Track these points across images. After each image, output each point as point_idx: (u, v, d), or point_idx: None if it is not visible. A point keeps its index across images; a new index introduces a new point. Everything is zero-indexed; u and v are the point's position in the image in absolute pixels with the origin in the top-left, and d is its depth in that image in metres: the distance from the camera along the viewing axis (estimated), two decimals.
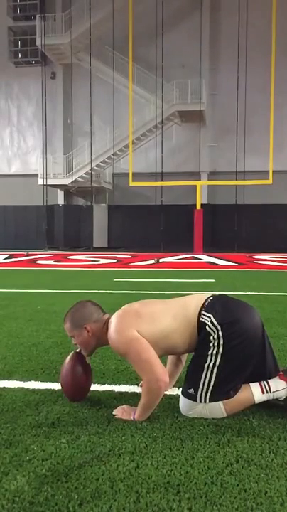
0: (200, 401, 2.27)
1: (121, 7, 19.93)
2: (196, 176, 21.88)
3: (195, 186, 19.23)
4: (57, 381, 2.87)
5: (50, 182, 21.81)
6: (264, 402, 2.34)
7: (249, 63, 20.09)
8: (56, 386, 2.78)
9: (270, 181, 17.96)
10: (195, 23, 21.52)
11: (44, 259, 15.04)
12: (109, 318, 2.40)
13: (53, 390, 2.72)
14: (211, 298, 2.41)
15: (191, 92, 21.05)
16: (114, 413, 2.34)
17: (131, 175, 18.78)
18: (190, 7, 22.14)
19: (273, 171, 18.00)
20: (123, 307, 2.46)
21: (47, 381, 2.89)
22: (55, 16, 22.50)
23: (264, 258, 14.90)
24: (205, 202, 21.00)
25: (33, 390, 2.72)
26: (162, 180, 20.28)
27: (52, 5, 23.32)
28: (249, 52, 20.05)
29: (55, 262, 13.83)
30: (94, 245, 21.48)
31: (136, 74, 20.88)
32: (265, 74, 18.53)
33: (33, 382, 2.87)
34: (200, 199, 19.08)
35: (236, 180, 19.94)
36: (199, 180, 21.32)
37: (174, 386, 2.71)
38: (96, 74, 22.21)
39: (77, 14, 21.79)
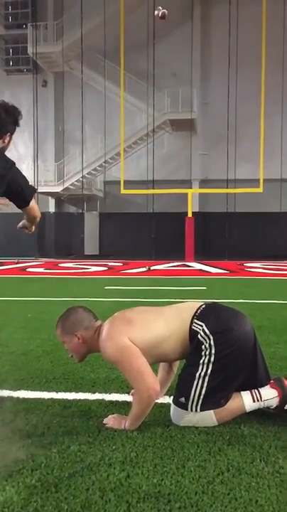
0: (191, 410, 2.26)
1: (112, 16, 20.06)
2: (187, 184, 21.96)
3: (187, 194, 19.31)
4: (47, 390, 2.85)
5: (41, 189, 21.74)
6: (255, 410, 2.34)
7: (240, 72, 20.28)
8: (46, 395, 2.76)
9: (260, 189, 18.07)
10: (186, 33, 21.72)
11: (34, 266, 14.97)
12: (100, 325, 2.39)
13: (43, 399, 2.70)
14: (203, 306, 2.41)
15: (182, 101, 21.21)
16: (104, 422, 2.32)
17: (122, 183, 18.81)
18: (181, 17, 22.33)
19: (263, 180, 18.12)
20: (115, 314, 2.45)
21: (37, 390, 2.86)
22: (47, 25, 22.60)
23: (255, 266, 14.95)
24: (196, 210, 21.08)
25: (23, 400, 2.69)
26: (153, 188, 20.34)
27: (43, 14, 23.44)
28: (240, 61, 20.24)
29: (45, 269, 13.78)
30: (86, 253, 21.43)
31: (127, 82, 20.99)
32: (255, 83, 18.70)
33: (22, 391, 2.84)
34: (191, 207, 19.16)
35: (227, 188, 20.04)
36: (191, 188, 21.40)
37: (165, 394, 2.69)
38: (88, 82, 22.31)
39: (69, 23, 21.91)
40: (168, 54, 21.94)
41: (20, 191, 2.37)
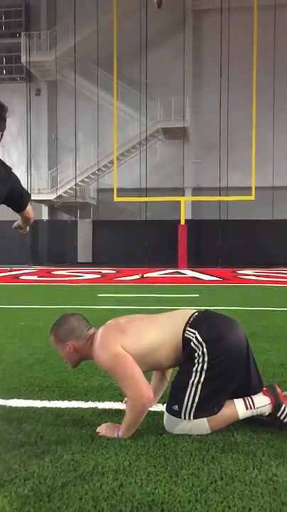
0: (185, 418, 2.26)
1: (105, 26, 20.21)
2: (180, 191, 22.05)
3: (179, 202, 19.38)
4: (40, 399, 2.84)
5: (34, 197, 21.71)
6: (248, 417, 2.34)
7: (231, 82, 20.47)
8: (39, 404, 2.74)
9: (252, 197, 18.18)
10: (179, 43, 21.92)
11: (28, 274, 14.92)
12: (94, 333, 2.39)
13: (36, 407, 2.69)
14: (196, 313, 2.42)
15: (175, 110, 21.35)
16: (97, 431, 2.32)
17: (115, 190, 18.86)
18: (173, 27, 22.57)
19: (255, 187, 18.24)
20: (108, 322, 2.45)
21: (30, 399, 2.85)
22: (40, 34, 22.72)
23: (248, 273, 15.01)
24: (189, 217, 21.15)
25: (16, 408, 2.68)
26: (146, 196, 20.40)
27: (37, 23, 23.56)
28: (231, 71, 20.44)
29: (38, 277, 13.73)
30: (79, 260, 21.41)
31: (120, 91, 21.11)
32: (247, 92, 18.87)
33: (15, 400, 2.83)
34: (184, 214, 19.22)
35: (220, 196, 20.14)
36: (183, 195, 21.49)
37: (158, 402, 2.69)
38: (81, 91, 22.42)
39: (62, 32, 22.04)
40: (161, 63, 22.12)
41: (20, 197, 2.44)
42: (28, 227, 2.79)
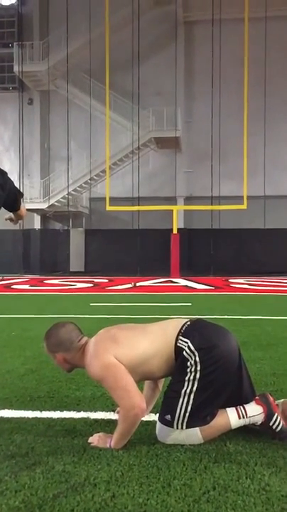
0: (177, 427, 2.25)
1: (98, 36, 20.37)
2: (172, 200, 22.14)
3: (172, 211, 19.44)
4: (31, 409, 2.81)
5: (26, 206, 21.52)
6: (241, 426, 2.34)
7: (223, 92, 20.66)
8: (30, 414, 2.72)
9: (244, 206, 18.28)
10: (171, 53, 22.13)
11: (19, 283, 14.85)
12: (86, 343, 2.38)
13: (27, 418, 2.66)
14: (188, 323, 2.42)
15: (167, 119, 21.50)
16: (89, 441, 2.30)
17: (107, 199, 18.89)
18: (165, 38, 22.80)
19: (247, 197, 18.35)
20: (100, 331, 2.45)
21: (21, 409, 2.83)
22: (33, 44, 22.84)
23: (240, 282, 15.04)
24: (182, 226, 21.21)
25: (7, 419, 2.65)
26: (139, 205, 20.44)
27: (29, 33, 23.71)
28: (223, 81, 20.65)
29: (30, 286, 13.68)
30: (71, 269, 21.34)
31: (112, 101, 21.24)
32: (238, 102, 19.06)
33: (6, 410, 2.80)
34: (177, 223, 19.27)
35: (212, 205, 20.23)
36: (176, 205, 21.56)
37: (151, 412, 2.68)
38: (74, 100, 22.53)
39: (55, 42, 22.18)
40: (153, 73, 22.31)
41: (15, 199, 2.53)
42: (19, 221, 2.90)
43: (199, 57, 22.50)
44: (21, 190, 2.71)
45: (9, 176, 2.48)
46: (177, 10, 22.23)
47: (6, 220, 2.87)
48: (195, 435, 2.25)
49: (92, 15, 20.40)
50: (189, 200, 22.71)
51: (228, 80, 20.80)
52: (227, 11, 20.94)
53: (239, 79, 19.02)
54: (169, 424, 2.26)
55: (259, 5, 20.02)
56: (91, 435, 2.34)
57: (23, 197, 2.67)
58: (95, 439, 2.29)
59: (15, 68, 22.18)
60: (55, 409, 2.81)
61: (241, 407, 2.34)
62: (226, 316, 6.78)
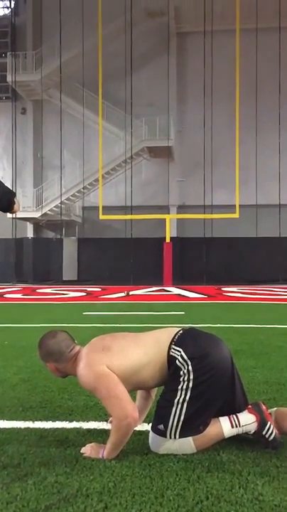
0: (170, 437, 2.24)
1: (91, 47, 20.51)
2: (165, 209, 22.20)
3: (164, 220, 19.49)
4: (23, 419, 2.79)
5: (19, 215, 21.67)
6: (234, 436, 2.33)
7: (215, 102, 20.84)
8: (22, 424, 2.70)
9: (237, 215, 18.37)
10: (163, 64, 22.31)
11: (12, 292, 14.78)
12: (78, 352, 2.37)
13: (19, 428, 2.64)
14: (181, 331, 2.42)
15: (159, 129, 21.62)
16: (82, 451, 2.29)
17: (100, 208, 18.91)
18: (158, 48, 23.01)
19: (239, 205, 18.45)
20: (92, 340, 2.44)
21: (13, 419, 2.80)
22: (26, 54, 22.95)
23: (233, 290, 15.07)
24: (174, 235, 21.26)
25: None
26: (131, 214, 20.48)
27: (23, 43, 23.82)
28: (215, 91, 20.82)
29: (23, 295, 13.61)
30: (64, 278, 21.29)
31: (105, 111, 21.34)
32: (230, 111, 19.21)
33: None
34: (169, 232, 19.31)
35: (204, 213, 20.31)
36: (168, 213, 21.62)
37: (144, 421, 2.67)
38: (67, 110, 22.61)
39: (48, 52, 22.29)
40: (145, 84, 22.48)
41: (9, 201, 2.59)
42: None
43: (192, 67, 22.72)
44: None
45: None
46: (170, 21, 22.46)
47: None
48: (187, 445, 2.25)
49: (85, 26, 20.56)
50: (181, 208, 22.80)
51: (220, 91, 20.98)
52: (219, 23, 21.19)
53: (230, 89, 19.20)
54: (162, 433, 2.26)
55: (250, 17, 20.28)
56: (84, 445, 2.33)
57: (15, 196, 2.70)
58: (88, 450, 2.28)
59: (9, 78, 22.23)
60: (47, 420, 2.79)
61: (234, 416, 2.34)
62: (219, 325, 6.79)
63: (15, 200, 2.67)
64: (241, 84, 18.48)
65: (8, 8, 25.21)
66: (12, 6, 24.52)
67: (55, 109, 22.45)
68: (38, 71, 22.19)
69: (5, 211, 2.67)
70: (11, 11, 24.48)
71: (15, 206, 2.69)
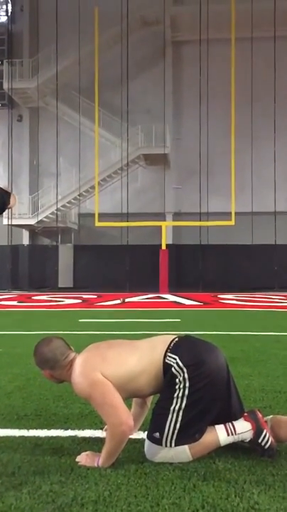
0: (166, 445, 2.23)
1: (87, 54, 20.62)
2: (161, 216, 22.23)
3: (160, 227, 19.51)
4: (18, 427, 2.77)
5: (15, 222, 21.66)
6: (230, 444, 2.32)
7: (211, 109, 20.95)
8: (17, 433, 2.68)
9: (232, 222, 18.41)
10: (159, 72, 22.44)
11: (7, 300, 14.73)
12: (73, 359, 2.36)
13: (14, 436, 2.62)
14: (176, 339, 2.41)
15: (155, 137, 21.70)
16: (77, 460, 2.27)
17: (96, 215, 18.91)
18: (154, 56, 23.17)
19: (235, 213, 18.49)
20: (88, 347, 2.44)
21: (7, 427, 2.78)
22: (23, 62, 23.04)
23: (229, 297, 15.08)
24: (170, 242, 21.28)
25: None
26: (127, 221, 20.49)
27: (19, 51, 23.93)
28: (210, 99, 20.94)
29: (18, 302, 13.57)
30: (60, 285, 21.23)
31: (101, 118, 21.41)
32: (226, 119, 19.31)
33: None
34: (165, 239, 19.34)
35: (200, 221, 20.35)
36: (164, 220, 21.65)
37: (139, 430, 2.65)
38: (63, 117, 22.68)
39: (44, 60, 22.38)
40: (142, 91, 22.60)
41: (3, 204, 2.64)
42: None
43: (187, 76, 22.86)
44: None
45: None
46: (166, 30, 22.63)
47: None
48: (183, 453, 2.24)
49: (82, 33, 20.66)
50: (177, 216, 22.84)
51: (215, 98, 21.10)
52: (214, 32, 21.34)
53: (226, 97, 19.31)
54: (158, 441, 2.25)
55: (246, 26, 20.44)
56: (79, 454, 2.32)
57: (9, 196, 2.70)
58: (83, 458, 2.27)
59: (5, 85, 22.29)
60: (42, 428, 2.78)
61: (230, 423, 2.33)
62: (215, 332, 6.78)
63: (11, 196, 2.67)
64: (236, 93, 18.61)
65: (4, 15, 25.33)
66: (9, 13, 24.66)
67: (51, 116, 22.50)
68: (34, 78, 22.27)
69: (0, 213, 2.67)
70: (8, 18, 24.61)
71: (11, 202, 2.69)
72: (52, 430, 2.73)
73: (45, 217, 22.01)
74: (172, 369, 2.27)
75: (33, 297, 15.62)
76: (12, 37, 23.91)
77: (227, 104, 18.83)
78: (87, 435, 2.65)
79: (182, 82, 23.38)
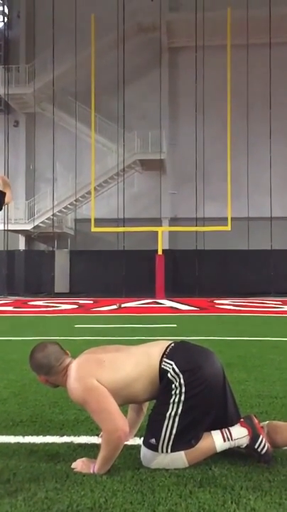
0: (162, 451, 2.23)
1: (84, 60, 20.69)
2: (157, 222, 22.27)
3: (157, 232, 19.53)
4: (13, 434, 2.76)
5: (11, 227, 21.64)
6: (226, 450, 2.32)
7: (206, 115, 21.05)
8: (12, 439, 2.66)
9: (229, 228, 18.46)
10: (155, 78, 22.54)
11: (3, 305, 14.68)
12: (69, 364, 2.36)
13: (9, 443, 2.61)
14: (172, 344, 2.41)
15: (151, 142, 21.78)
16: (72, 466, 2.26)
17: (93, 221, 18.92)
18: (150, 63, 23.29)
19: (231, 218, 18.55)
20: (84, 353, 2.43)
21: (2, 434, 2.77)
22: (19, 67, 23.10)
23: (225, 302, 15.08)
24: (166, 247, 21.29)
25: None
26: (124, 226, 20.51)
27: (16, 56, 24.01)
28: (206, 105, 21.04)
29: (14, 308, 13.52)
30: (56, 291, 21.18)
31: (98, 124, 21.47)
32: (221, 125, 19.39)
33: None
34: (161, 245, 19.35)
35: (196, 226, 20.39)
36: (161, 226, 21.69)
37: (135, 435, 2.64)
38: (59, 123, 22.72)
39: (41, 66, 22.45)
40: (138, 97, 22.68)
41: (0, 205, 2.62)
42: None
43: (183, 82, 22.98)
44: (6, 211, 2.75)
45: None
46: (162, 36, 22.76)
47: None
48: (180, 459, 2.23)
49: (78, 39, 20.75)
50: (174, 221, 22.88)
51: (211, 104, 21.20)
52: (210, 38, 21.47)
53: (222, 103, 19.40)
54: (154, 448, 2.24)
55: (241, 33, 20.58)
56: (75, 460, 2.30)
57: (5, 195, 2.69)
58: (78, 465, 2.25)
59: (1, 91, 22.33)
60: (37, 434, 2.76)
61: (226, 429, 2.32)
62: (211, 337, 6.78)
63: (6, 191, 2.67)
64: (232, 99, 18.70)
65: (1, 21, 25.42)
66: (5, 20, 24.75)
67: (48, 121, 22.54)
68: (30, 84, 22.34)
69: None
70: (5, 24, 24.70)
71: (7, 199, 2.70)
72: (47, 436, 2.72)
73: (41, 223, 22.01)
74: (169, 374, 2.26)
75: (28, 302, 15.58)
76: (9, 43, 23.99)
77: (223, 109, 18.92)
78: (83, 441, 2.64)
79: (178, 88, 23.51)
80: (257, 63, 21.42)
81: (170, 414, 2.23)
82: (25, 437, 2.71)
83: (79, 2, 21.17)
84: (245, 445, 2.31)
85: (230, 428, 2.33)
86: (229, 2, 19.23)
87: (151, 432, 2.27)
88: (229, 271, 20.77)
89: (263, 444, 2.29)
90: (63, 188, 22.49)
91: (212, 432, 2.31)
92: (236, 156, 20.18)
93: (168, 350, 2.36)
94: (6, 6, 24.80)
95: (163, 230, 20.46)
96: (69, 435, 2.74)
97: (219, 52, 20.61)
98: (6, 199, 2.71)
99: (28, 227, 22.07)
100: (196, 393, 2.23)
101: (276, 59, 20.85)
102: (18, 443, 2.61)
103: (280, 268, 20.21)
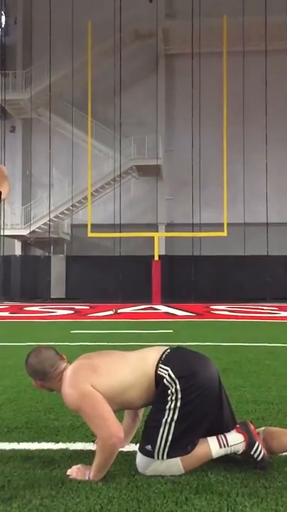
0: (158, 457, 2.21)
1: (80, 66, 20.77)
2: (153, 227, 22.30)
3: (153, 238, 19.55)
4: (8, 441, 2.74)
5: (7, 232, 21.61)
6: (222, 456, 2.31)
7: (203, 121, 21.13)
8: (7, 446, 2.65)
9: (225, 233, 18.49)
10: (152, 84, 22.65)
11: None
12: (64, 369, 2.35)
13: (4, 450, 2.59)
14: (168, 350, 2.40)
15: (148, 148, 21.86)
16: (68, 473, 2.24)
17: (89, 226, 18.92)
18: (146, 69, 23.41)
19: (227, 224, 18.58)
20: (79, 358, 2.42)
21: None
22: (16, 73, 23.17)
23: (221, 308, 15.08)
24: (163, 253, 21.31)
25: None
26: (120, 232, 20.51)
27: (12, 62, 24.08)
28: (202, 111, 21.13)
29: (10, 313, 13.47)
30: (52, 296, 21.12)
31: (94, 129, 21.52)
32: (218, 131, 19.49)
33: None
34: (158, 250, 19.35)
35: (193, 232, 20.42)
36: (157, 231, 21.73)
37: (131, 442, 2.63)
38: (56, 128, 22.77)
39: (38, 72, 22.53)
40: (134, 103, 22.78)
41: None
42: None
43: (180, 88, 23.11)
44: (2, 216, 2.73)
45: None
46: (158, 43, 22.89)
47: None
48: (175, 466, 2.22)
49: (75, 46, 20.83)
50: (170, 227, 22.92)
51: (207, 111, 21.31)
52: (207, 45, 21.61)
53: (218, 109, 19.50)
54: (149, 454, 2.23)
55: (237, 40, 20.73)
56: (70, 467, 2.29)
57: (1, 194, 2.71)
58: (74, 471, 2.24)
59: None
60: (32, 441, 2.74)
61: (222, 435, 2.32)
62: (207, 343, 6.77)
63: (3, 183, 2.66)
64: (228, 105, 18.79)
65: None
66: (2, 26, 24.84)
67: (44, 127, 22.58)
68: (27, 90, 22.41)
69: None
70: (1, 30, 24.78)
71: (3, 195, 2.69)
72: (43, 443, 2.70)
73: (37, 228, 22.00)
74: (164, 380, 2.25)
75: (24, 308, 15.53)
76: (5, 49, 24.06)
77: (219, 116, 19.01)
78: (78, 448, 2.62)
79: (175, 94, 23.63)
80: (253, 70, 21.54)
81: (166, 420, 2.22)
82: (21, 443, 2.69)
83: (76, 8, 21.26)
84: (241, 451, 2.30)
85: (226, 434, 2.32)
86: (225, 9, 19.42)
87: (147, 438, 2.26)
88: (226, 276, 20.77)
89: (260, 450, 2.28)
90: (60, 193, 22.50)
91: (208, 438, 2.30)
92: (232, 162, 20.26)
93: (163, 356, 2.35)
94: (3, 12, 24.89)
95: (159, 236, 20.48)
96: (64, 441, 2.72)
97: (215, 59, 20.75)
98: (3, 195, 2.69)
99: (25, 232, 22.05)
100: (192, 399, 2.22)
101: (272, 66, 21.00)
102: (13, 449, 2.60)
103: (277, 274, 20.23)
